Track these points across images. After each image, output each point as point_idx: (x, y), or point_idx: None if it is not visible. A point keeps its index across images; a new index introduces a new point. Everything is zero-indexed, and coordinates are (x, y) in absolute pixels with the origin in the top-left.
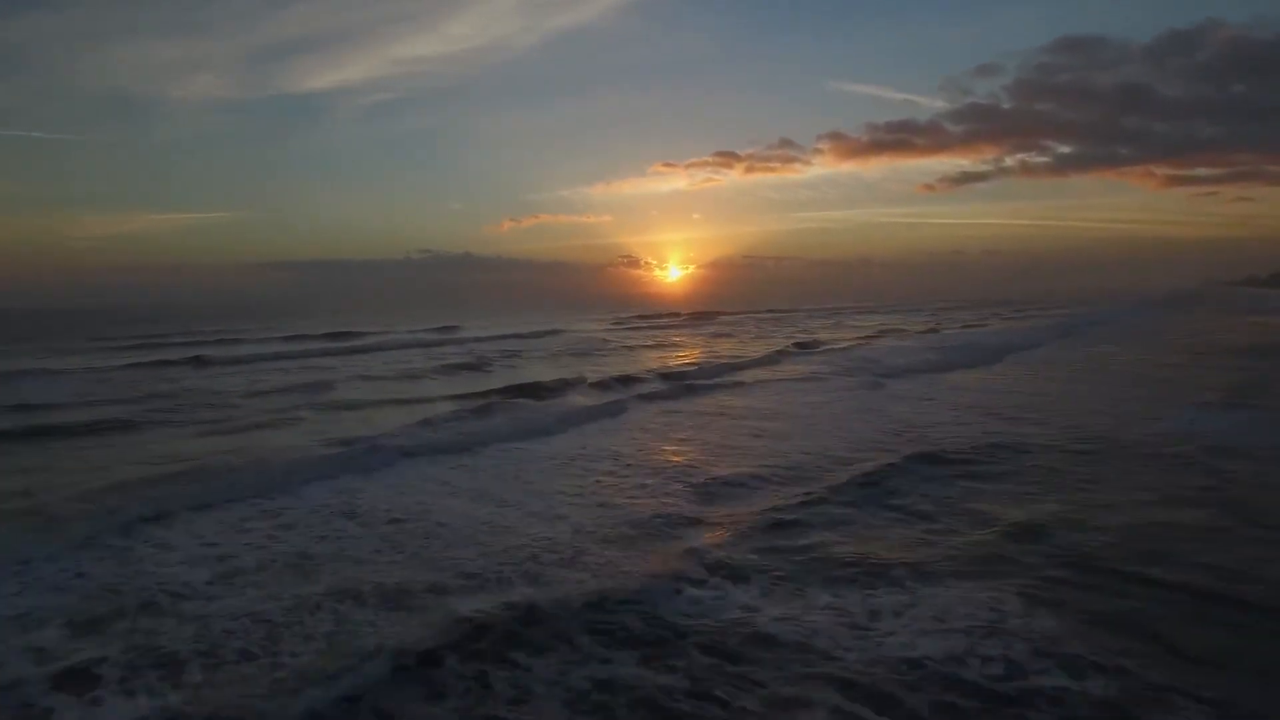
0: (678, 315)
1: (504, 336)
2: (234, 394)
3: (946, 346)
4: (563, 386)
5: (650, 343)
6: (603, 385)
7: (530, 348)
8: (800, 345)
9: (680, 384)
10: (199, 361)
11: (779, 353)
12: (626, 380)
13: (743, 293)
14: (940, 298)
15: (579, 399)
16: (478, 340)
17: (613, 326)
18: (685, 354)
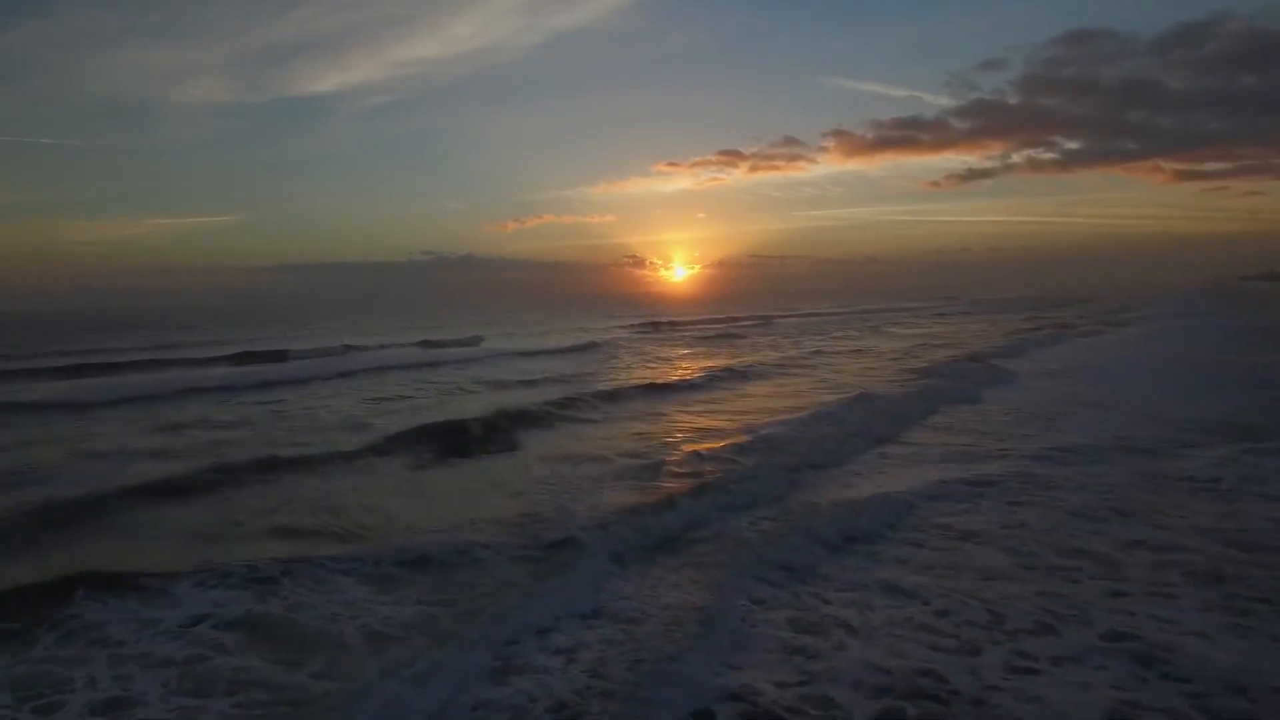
0: (718, 321)
1: (521, 354)
2: None
3: (1152, 363)
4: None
5: (718, 363)
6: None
7: (559, 374)
8: (920, 373)
9: (845, 500)
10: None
11: (932, 391)
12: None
13: (758, 291)
14: (973, 295)
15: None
16: (476, 361)
17: (651, 335)
18: (781, 388)
